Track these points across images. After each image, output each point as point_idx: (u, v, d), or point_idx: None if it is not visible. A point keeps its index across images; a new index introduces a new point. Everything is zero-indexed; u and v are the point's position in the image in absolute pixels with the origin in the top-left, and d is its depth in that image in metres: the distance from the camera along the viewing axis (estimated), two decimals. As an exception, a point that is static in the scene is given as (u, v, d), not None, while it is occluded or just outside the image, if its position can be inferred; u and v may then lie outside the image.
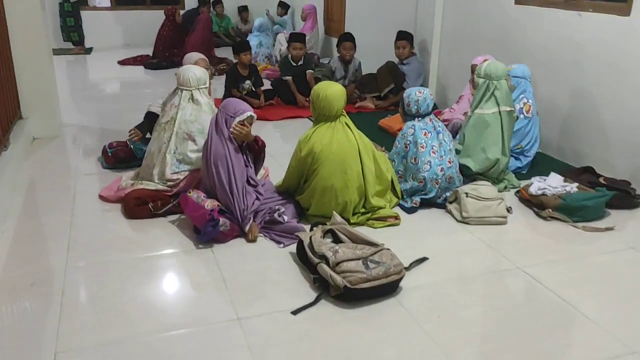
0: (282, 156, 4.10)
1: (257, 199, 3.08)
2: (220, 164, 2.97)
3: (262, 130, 5.04)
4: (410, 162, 3.34)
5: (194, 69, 3.42)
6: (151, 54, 8.20)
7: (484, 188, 3.29)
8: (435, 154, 3.29)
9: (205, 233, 2.86)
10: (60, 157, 4.24)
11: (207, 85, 3.43)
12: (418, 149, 3.28)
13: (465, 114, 4.28)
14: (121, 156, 3.96)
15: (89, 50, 8.96)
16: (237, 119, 3.02)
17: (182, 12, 8.76)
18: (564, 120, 4.26)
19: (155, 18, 8.38)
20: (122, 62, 8.16)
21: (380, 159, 3.24)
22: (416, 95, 3.34)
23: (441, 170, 3.30)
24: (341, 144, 3.03)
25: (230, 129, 3.01)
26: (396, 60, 5.83)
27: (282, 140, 5.00)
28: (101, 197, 3.45)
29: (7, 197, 3.37)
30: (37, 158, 4.19)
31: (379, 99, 5.80)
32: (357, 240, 2.75)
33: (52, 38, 8.86)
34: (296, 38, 5.90)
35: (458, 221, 3.23)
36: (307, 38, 7.75)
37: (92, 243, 2.92)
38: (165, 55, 7.95)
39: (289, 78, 5.82)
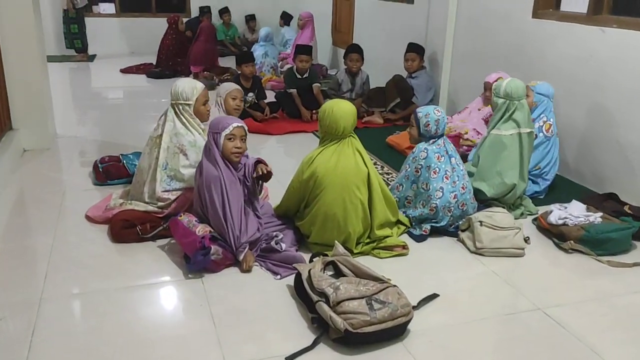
0: (284, 174, 3.84)
1: (260, 224, 2.84)
2: (213, 187, 2.73)
3: (265, 144, 4.84)
4: (421, 188, 3.08)
5: (183, 82, 3.20)
6: (154, 63, 8.02)
7: (500, 215, 3.04)
8: (448, 179, 3.04)
9: (195, 262, 2.61)
10: (50, 171, 4.02)
11: (192, 102, 3.15)
12: (430, 174, 3.03)
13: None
14: (112, 172, 3.74)
15: (91, 58, 8.80)
16: (224, 133, 2.78)
17: (185, 19, 8.54)
18: (583, 142, 4.00)
19: (160, 26, 8.20)
20: (125, 71, 7.98)
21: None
22: (435, 114, 3.07)
23: (454, 198, 3.05)
24: (347, 169, 2.77)
25: (223, 148, 2.78)
26: (405, 74, 5.61)
27: (285, 156, 4.77)
28: (88, 217, 3.23)
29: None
30: (25, 172, 3.98)
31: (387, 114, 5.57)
32: (361, 274, 2.51)
33: (54, 45, 8.82)
34: (302, 50, 5.69)
35: (471, 252, 2.98)
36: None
37: (73, 270, 2.69)
38: (168, 64, 7.76)
39: (293, 91, 5.59)
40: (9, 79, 4.18)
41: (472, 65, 5.18)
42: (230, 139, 2.78)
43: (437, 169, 3.03)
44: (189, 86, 3.16)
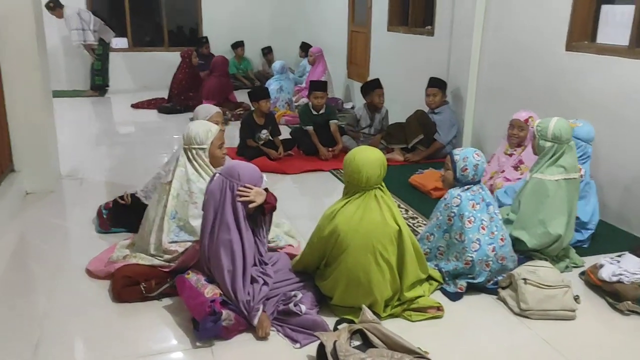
0: (301, 219, 3.59)
1: (265, 283, 2.53)
2: (222, 248, 2.45)
3: (280, 184, 4.56)
4: (454, 239, 2.76)
5: (197, 124, 2.96)
6: (166, 97, 7.85)
7: (545, 271, 2.71)
8: (485, 230, 2.72)
9: (204, 329, 2.31)
10: (51, 216, 3.76)
11: (207, 146, 2.92)
12: (464, 223, 2.71)
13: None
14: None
15: (103, 93, 8.65)
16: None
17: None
18: (626, 185, 3.66)
19: (173, 60, 8.06)
20: (136, 106, 7.82)
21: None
22: (474, 158, 2.75)
23: (492, 250, 2.72)
24: (373, 226, 2.44)
25: (236, 197, 2.50)
26: (426, 109, 5.34)
27: (301, 197, 4.49)
28: (88, 271, 2.94)
29: (-22, 270, 2.89)
30: (26, 217, 3.72)
31: (407, 151, 5.28)
32: (393, 345, 2.20)
33: (65, 80, 8.72)
34: (317, 86, 5.46)
35: (515, 313, 2.64)
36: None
37: (66, 340, 2.39)
38: (180, 98, 7.58)
39: (309, 128, 5.34)
40: (11, 118, 3.96)
41: (498, 102, 4.90)
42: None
43: (473, 217, 2.71)
44: (203, 129, 2.90)
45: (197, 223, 2.81)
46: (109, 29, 8.43)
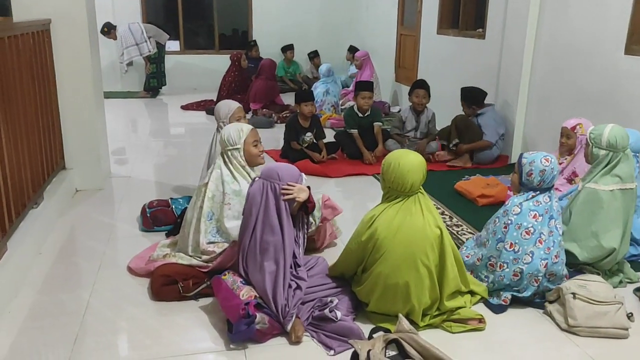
0: (343, 223, 3.53)
1: (299, 287, 2.49)
2: (265, 251, 2.44)
3: (322, 187, 4.52)
4: (504, 248, 2.62)
5: (229, 127, 2.99)
6: (215, 99, 7.97)
7: (596, 285, 2.56)
8: (542, 244, 2.57)
9: (238, 332, 2.29)
10: (99, 214, 3.85)
11: (240, 145, 2.92)
12: (521, 233, 2.57)
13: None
14: (160, 218, 3.52)
15: (154, 95, 8.88)
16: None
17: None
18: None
19: (223, 63, 8.19)
20: (185, 107, 7.97)
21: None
22: (542, 164, 2.60)
23: (544, 266, 2.58)
24: (413, 231, 2.37)
25: (280, 196, 2.48)
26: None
27: (344, 200, 4.42)
28: (130, 268, 2.99)
29: (27, 264, 2.97)
30: (74, 214, 3.83)
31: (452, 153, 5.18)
32: (429, 357, 2.12)
33: (119, 81, 9.01)
34: (364, 87, 5.38)
35: (562, 329, 2.50)
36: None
37: (104, 334, 2.43)
38: (228, 100, 7.67)
39: (354, 131, 5.28)
40: (63, 118, 4.10)
41: (551, 107, 4.71)
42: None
43: (532, 229, 2.56)
44: (235, 129, 2.92)
45: (230, 225, 2.84)
46: (163, 31, 8.66)
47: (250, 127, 3.00)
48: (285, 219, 2.49)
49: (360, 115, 5.34)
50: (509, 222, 2.60)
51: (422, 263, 2.36)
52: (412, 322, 2.36)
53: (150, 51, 8.43)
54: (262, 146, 3.04)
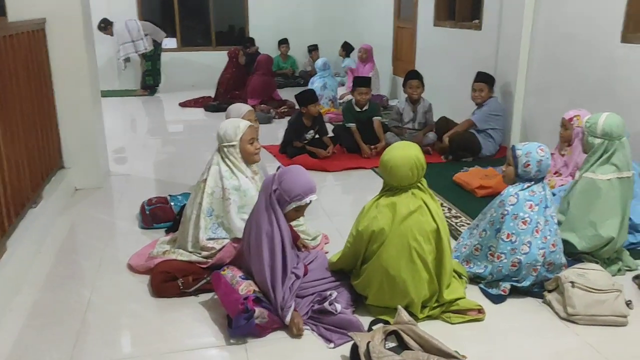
0: (341, 217, 3.55)
1: (297, 277, 2.51)
2: (264, 243, 2.44)
3: (321, 183, 4.52)
4: (500, 238, 2.63)
5: (226, 122, 2.98)
6: (213, 96, 7.97)
7: (594, 274, 2.57)
8: (538, 233, 2.58)
9: (237, 327, 2.30)
10: (98, 212, 3.86)
11: (236, 142, 2.91)
12: (518, 224, 2.58)
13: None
14: (159, 215, 3.53)
15: (152, 92, 8.87)
16: (294, 205, 2.48)
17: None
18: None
19: (220, 59, 8.19)
20: (183, 104, 7.97)
21: None
22: (538, 154, 2.61)
23: (542, 256, 2.58)
24: (410, 224, 2.37)
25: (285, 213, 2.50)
26: (471, 105, 5.19)
27: (343, 195, 4.45)
28: (130, 266, 3.00)
29: (27, 263, 2.98)
30: (74, 213, 3.84)
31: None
32: (429, 348, 2.12)
33: (116, 79, 9.02)
34: (361, 82, 5.37)
35: (561, 318, 2.51)
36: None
37: (106, 331, 2.44)
38: (226, 97, 7.68)
39: (352, 125, 5.28)
40: (61, 117, 4.10)
41: (549, 97, 4.71)
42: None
43: (529, 219, 2.57)
44: (232, 126, 2.91)
45: (232, 220, 2.83)
46: (159, 29, 8.65)
47: (248, 123, 2.99)
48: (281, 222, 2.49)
49: (358, 109, 5.34)
50: (506, 212, 2.61)
51: (417, 254, 2.37)
52: (411, 314, 2.37)
53: (146, 49, 8.43)
54: (259, 143, 3.03)
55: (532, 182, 2.62)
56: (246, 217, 2.72)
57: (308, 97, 5.08)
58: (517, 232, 2.58)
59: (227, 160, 2.91)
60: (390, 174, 2.39)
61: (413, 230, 2.37)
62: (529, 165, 2.60)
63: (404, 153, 2.40)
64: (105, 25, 8.37)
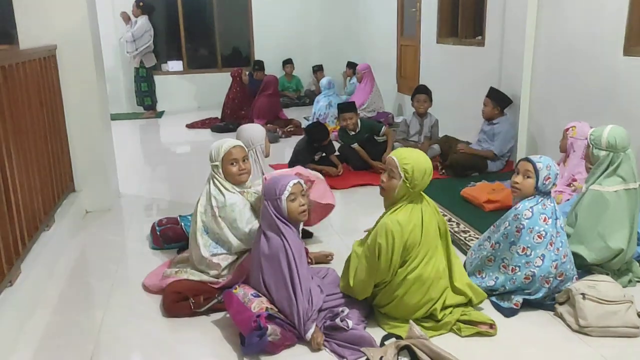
0: (351, 234, 3.56)
1: (322, 291, 2.57)
2: (281, 257, 2.47)
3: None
4: (516, 252, 2.64)
5: (216, 143, 3.01)
6: (219, 117, 8.06)
7: (605, 286, 2.57)
8: (552, 245, 2.59)
9: (250, 345, 2.32)
10: (109, 234, 3.90)
11: (218, 162, 2.93)
12: (534, 237, 2.59)
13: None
14: (170, 235, 3.56)
15: (159, 114, 8.98)
16: (284, 197, 2.53)
17: (247, 72, 8.56)
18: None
19: (226, 80, 8.28)
20: (190, 126, 8.05)
21: None
22: (555, 167, 2.65)
23: (555, 267, 2.60)
24: (430, 227, 2.52)
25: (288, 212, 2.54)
26: (476, 122, 5.23)
27: (352, 211, 4.46)
28: (144, 285, 3.03)
29: (41, 286, 3.01)
30: (85, 235, 3.88)
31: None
32: (441, 362, 2.12)
33: (125, 103, 9.14)
34: (343, 109, 5.46)
35: (573, 330, 2.51)
36: (367, 100, 7.52)
37: (119, 352, 2.46)
38: (232, 117, 7.76)
39: (356, 145, 5.34)
40: (72, 141, 4.16)
41: (553, 110, 4.74)
42: (292, 199, 2.53)
43: (544, 232, 2.59)
44: (216, 146, 2.95)
45: (227, 236, 2.87)
46: (154, 57, 8.78)
47: (234, 144, 2.95)
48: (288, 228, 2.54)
49: (352, 133, 5.41)
50: (522, 226, 2.62)
51: (434, 256, 2.53)
52: (431, 319, 2.47)
53: (130, 56, 8.55)
54: (245, 164, 2.94)
55: (543, 197, 2.65)
56: (240, 231, 2.81)
57: (318, 135, 5.10)
58: (533, 246, 2.60)
59: (214, 179, 2.94)
60: (424, 178, 2.47)
61: (434, 232, 2.54)
62: (549, 178, 2.63)
63: (421, 155, 2.53)
64: (144, 5, 8.49)
